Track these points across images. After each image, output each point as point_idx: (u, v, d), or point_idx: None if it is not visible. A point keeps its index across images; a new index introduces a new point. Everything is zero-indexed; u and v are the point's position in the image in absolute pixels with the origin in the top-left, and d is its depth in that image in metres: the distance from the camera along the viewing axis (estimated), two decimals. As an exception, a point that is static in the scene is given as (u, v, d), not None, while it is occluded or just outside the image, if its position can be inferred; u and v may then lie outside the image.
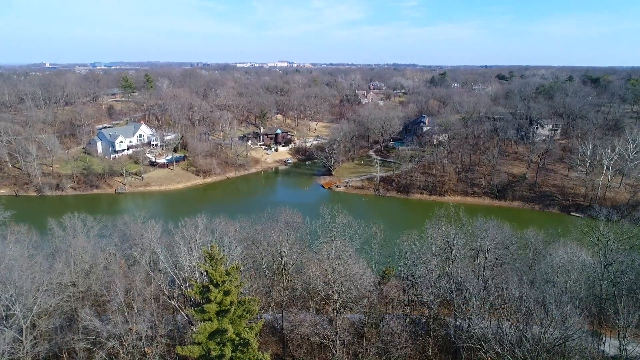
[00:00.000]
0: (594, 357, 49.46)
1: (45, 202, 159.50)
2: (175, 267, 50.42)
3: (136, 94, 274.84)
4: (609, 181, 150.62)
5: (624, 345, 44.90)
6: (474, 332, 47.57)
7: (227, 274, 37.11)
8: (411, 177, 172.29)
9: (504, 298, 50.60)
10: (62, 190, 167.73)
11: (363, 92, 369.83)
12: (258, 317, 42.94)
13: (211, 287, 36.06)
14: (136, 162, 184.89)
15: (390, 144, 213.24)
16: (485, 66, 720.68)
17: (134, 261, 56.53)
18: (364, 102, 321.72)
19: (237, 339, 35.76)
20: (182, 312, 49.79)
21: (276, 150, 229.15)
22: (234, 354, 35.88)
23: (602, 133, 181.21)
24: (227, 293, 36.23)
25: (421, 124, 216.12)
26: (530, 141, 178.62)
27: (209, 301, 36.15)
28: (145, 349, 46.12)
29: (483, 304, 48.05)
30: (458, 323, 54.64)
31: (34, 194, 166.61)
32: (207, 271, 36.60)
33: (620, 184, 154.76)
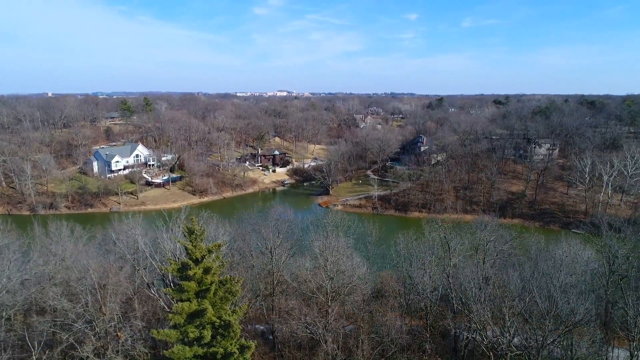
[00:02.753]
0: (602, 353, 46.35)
1: (37, 220, 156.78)
2: (155, 253, 47.91)
3: (135, 117, 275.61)
4: (609, 198, 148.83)
5: (636, 339, 41.83)
6: (474, 325, 44.78)
7: (209, 252, 34.78)
8: (409, 195, 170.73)
9: (505, 289, 48.01)
10: (55, 209, 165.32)
11: (361, 116, 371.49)
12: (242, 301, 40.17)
13: (190, 263, 33.62)
14: (132, 182, 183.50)
15: (388, 163, 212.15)
16: (482, 94, 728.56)
17: (117, 257, 53.91)
18: (361, 126, 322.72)
19: (218, 321, 33.09)
20: (159, 297, 46.75)
21: (274, 171, 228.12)
22: (214, 339, 33.16)
23: (600, 151, 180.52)
24: (207, 271, 33.74)
25: (419, 143, 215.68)
26: (528, 159, 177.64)
27: (187, 279, 33.65)
28: (118, 333, 43.02)
29: (483, 295, 45.41)
30: (457, 315, 51.72)
31: (27, 212, 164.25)
32: (186, 247, 34.26)
33: (621, 200, 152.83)
